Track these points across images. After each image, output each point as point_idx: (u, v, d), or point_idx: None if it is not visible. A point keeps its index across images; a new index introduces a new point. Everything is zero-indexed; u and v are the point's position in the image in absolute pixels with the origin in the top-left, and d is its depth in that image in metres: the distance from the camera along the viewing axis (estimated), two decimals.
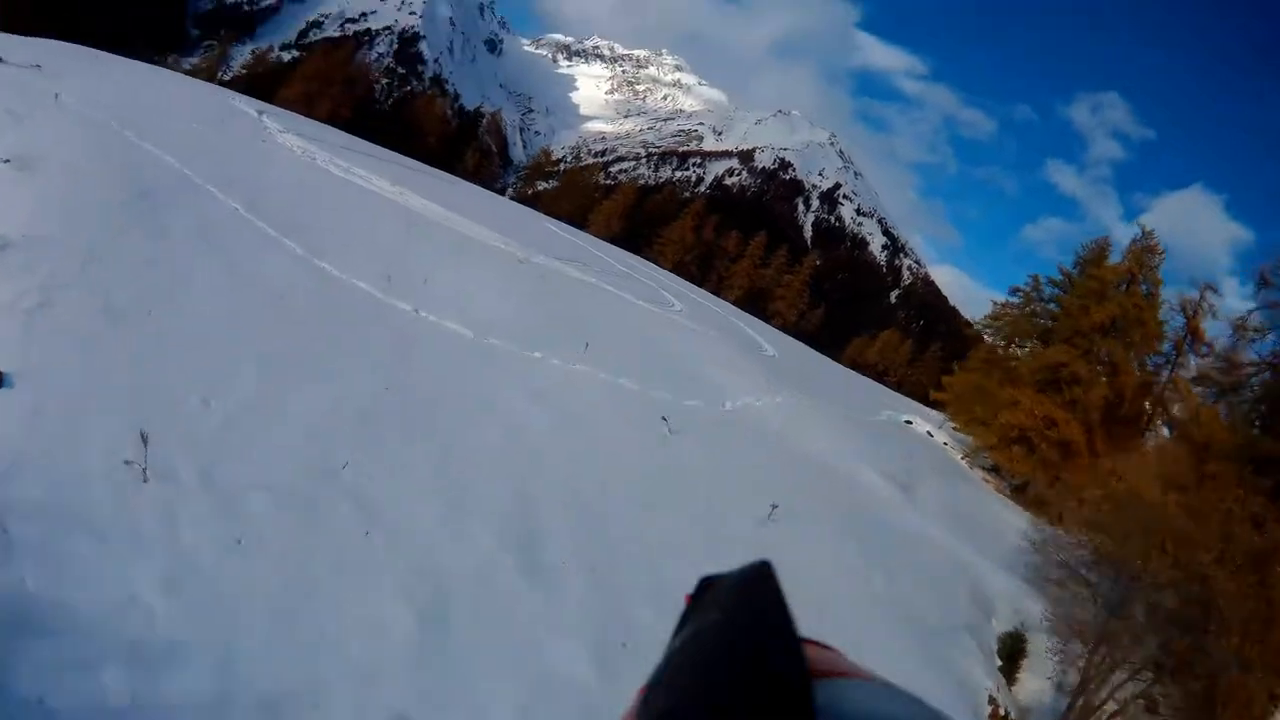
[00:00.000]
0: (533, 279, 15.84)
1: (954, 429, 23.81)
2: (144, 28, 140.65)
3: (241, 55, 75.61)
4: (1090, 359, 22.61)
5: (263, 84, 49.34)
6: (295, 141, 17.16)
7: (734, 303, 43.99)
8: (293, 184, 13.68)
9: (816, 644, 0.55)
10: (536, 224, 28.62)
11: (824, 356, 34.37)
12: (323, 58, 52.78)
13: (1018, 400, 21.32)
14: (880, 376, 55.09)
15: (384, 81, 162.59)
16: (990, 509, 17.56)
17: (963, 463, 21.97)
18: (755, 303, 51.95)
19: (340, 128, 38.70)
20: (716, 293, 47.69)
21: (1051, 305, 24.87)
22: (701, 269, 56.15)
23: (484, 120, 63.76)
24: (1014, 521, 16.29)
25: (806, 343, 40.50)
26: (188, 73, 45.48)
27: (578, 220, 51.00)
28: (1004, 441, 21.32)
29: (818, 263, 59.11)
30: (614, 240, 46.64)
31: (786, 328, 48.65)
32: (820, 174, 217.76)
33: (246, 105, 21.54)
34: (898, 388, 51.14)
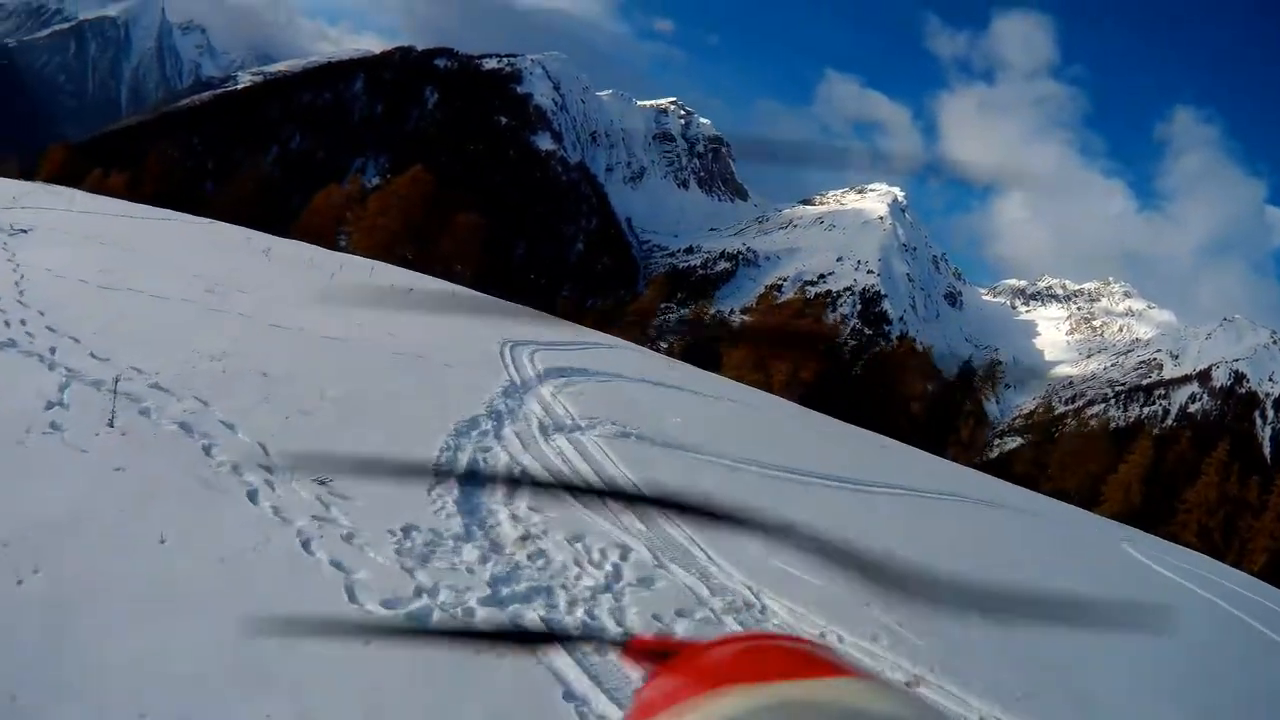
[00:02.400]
0: None
1: None
2: (604, 285, 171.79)
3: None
4: None
5: (706, 349, 43.53)
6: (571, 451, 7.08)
7: (1256, 573, 33.09)
8: None
9: (814, 643, 0.55)
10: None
11: None
12: (774, 311, 42.96)
13: None
14: None
15: (850, 343, 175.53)
16: None
17: None
18: None
19: (800, 399, 31.24)
20: (1239, 564, 37.06)
21: None
22: (1225, 534, 44.62)
23: (976, 376, 52.30)
24: None
25: None
26: (593, 318, 40.90)
27: (1085, 495, 40.93)
28: None
29: None
30: (1132, 516, 37.42)
31: None
32: (1270, 379, 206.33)
33: (521, 354, 10.98)
34: None
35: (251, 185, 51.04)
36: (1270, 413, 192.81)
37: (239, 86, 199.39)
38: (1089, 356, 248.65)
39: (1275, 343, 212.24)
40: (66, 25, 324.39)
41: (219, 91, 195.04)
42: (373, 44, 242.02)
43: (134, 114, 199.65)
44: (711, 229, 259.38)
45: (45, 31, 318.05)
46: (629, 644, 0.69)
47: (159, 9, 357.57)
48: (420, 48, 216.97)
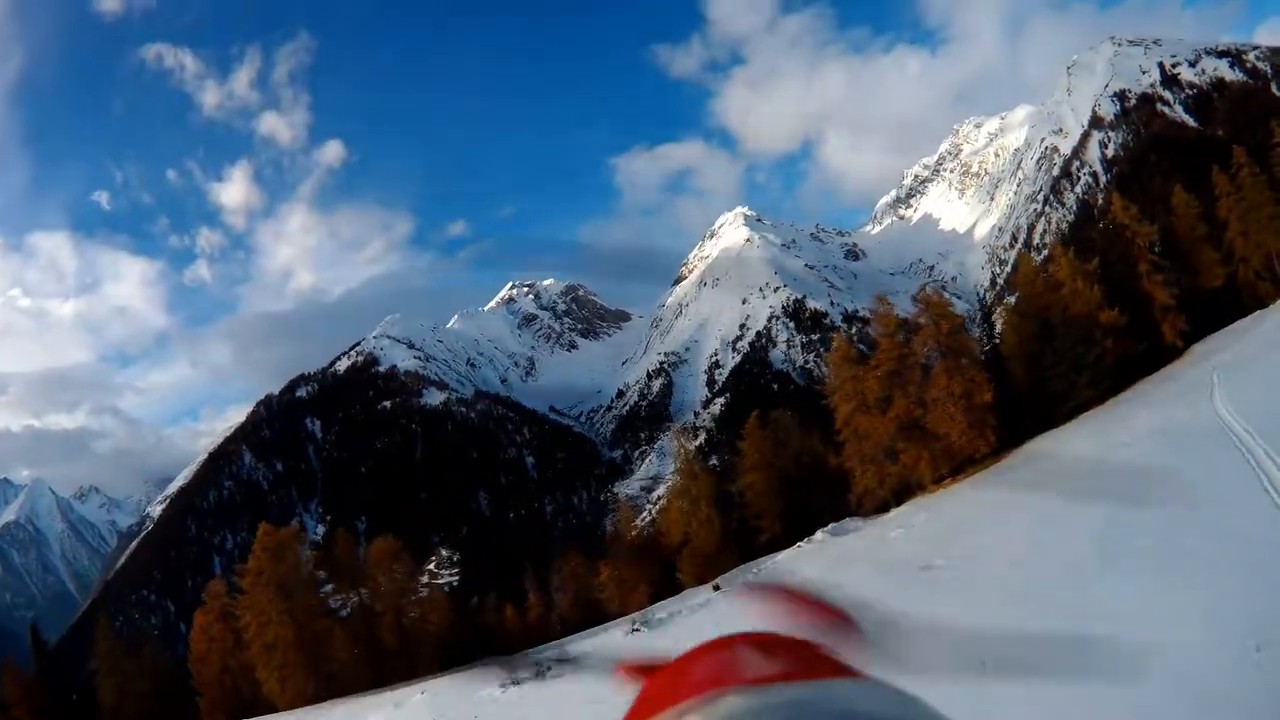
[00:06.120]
0: None
1: None
2: (574, 477, 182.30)
3: None
4: None
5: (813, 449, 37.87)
6: None
7: None
8: None
9: (813, 644, 0.56)
10: None
11: None
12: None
13: None
14: None
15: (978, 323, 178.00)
16: None
17: None
18: None
19: (994, 426, 30.35)
20: None
21: None
22: None
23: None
24: None
25: None
26: None
27: None
28: None
29: None
30: None
31: None
32: (1143, 71, 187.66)
33: None
34: None
35: (112, 669, 36.96)
36: (1168, 93, 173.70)
37: (153, 524, 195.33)
38: (993, 198, 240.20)
39: (1118, 44, 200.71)
40: None
41: (137, 541, 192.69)
42: (239, 413, 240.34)
43: (86, 599, 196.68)
44: (624, 362, 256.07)
45: None
46: (619, 667, 0.70)
47: (48, 490, 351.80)
48: (277, 390, 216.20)
